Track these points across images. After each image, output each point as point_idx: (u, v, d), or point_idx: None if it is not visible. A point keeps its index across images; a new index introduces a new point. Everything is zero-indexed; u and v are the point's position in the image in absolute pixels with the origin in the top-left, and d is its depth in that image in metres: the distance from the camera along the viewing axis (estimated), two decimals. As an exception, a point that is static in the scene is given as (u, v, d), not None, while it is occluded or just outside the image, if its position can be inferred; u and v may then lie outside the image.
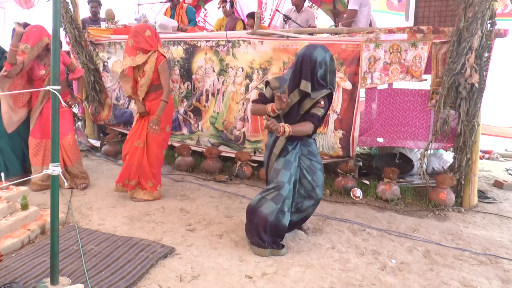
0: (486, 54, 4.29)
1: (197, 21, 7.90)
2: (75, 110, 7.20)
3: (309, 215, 3.70)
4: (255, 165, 5.61)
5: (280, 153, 3.49)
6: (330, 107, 4.90)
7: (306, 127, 3.34)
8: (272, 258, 3.31)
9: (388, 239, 3.77)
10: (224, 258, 3.28)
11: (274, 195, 3.35)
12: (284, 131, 3.21)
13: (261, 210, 3.36)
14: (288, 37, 5.14)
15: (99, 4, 7.75)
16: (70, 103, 4.85)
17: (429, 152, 4.84)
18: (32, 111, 4.79)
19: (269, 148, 3.57)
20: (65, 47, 6.54)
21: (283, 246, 3.42)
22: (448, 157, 5.78)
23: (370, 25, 6.41)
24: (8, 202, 3.67)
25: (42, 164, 4.77)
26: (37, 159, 4.77)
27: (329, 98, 3.47)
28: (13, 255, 3.21)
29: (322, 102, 3.37)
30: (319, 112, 3.37)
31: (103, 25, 7.05)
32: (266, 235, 3.36)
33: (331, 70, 3.36)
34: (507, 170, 6.69)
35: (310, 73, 3.27)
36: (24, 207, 3.73)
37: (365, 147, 7.04)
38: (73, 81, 5.61)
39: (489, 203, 4.87)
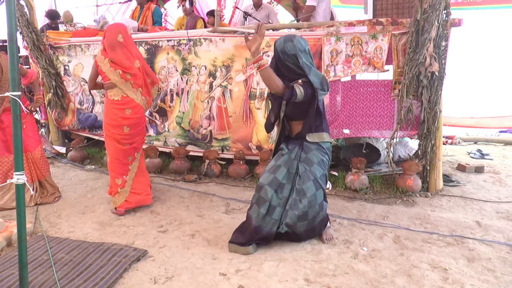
0: (443, 43, 4.42)
1: (162, 22, 7.81)
2: (37, 116, 7.01)
3: (315, 226, 3.43)
4: (223, 163, 5.60)
5: (277, 153, 3.53)
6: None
7: (277, 81, 3.16)
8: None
9: (358, 228, 3.83)
10: (197, 258, 3.27)
11: (257, 198, 3.39)
12: (260, 59, 3.12)
13: (249, 212, 3.44)
14: (249, 33, 5.13)
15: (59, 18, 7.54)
16: (31, 108, 4.55)
17: (394, 140, 4.95)
18: None
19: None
20: (23, 52, 6.35)
21: (250, 245, 3.36)
22: (413, 144, 5.93)
23: (332, 19, 6.48)
24: (-29, 215, 3.56)
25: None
26: None
27: (311, 87, 3.21)
28: (-21, 269, 3.12)
29: (300, 81, 3.22)
30: (296, 87, 3.17)
31: (62, 27, 6.88)
32: (247, 234, 3.37)
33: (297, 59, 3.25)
34: (469, 153, 6.90)
35: (274, 62, 3.36)
36: (-12, 219, 3.61)
37: (332, 139, 7.13)
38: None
39: (454, 186, 5.02)
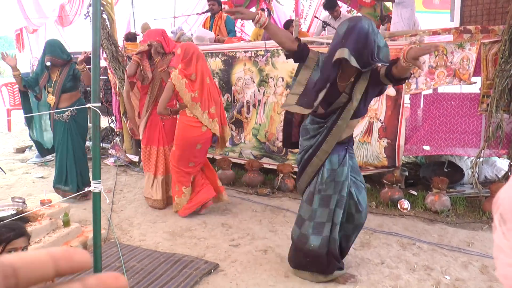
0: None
1: (235, 31, 7.81)
2: (112, 125, 7.24)
3: None
4: (297, 177, 5.46)
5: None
6: (374, 115, 4.72)
7: (283, 37, 2.93)
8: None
9: (440, 254, 3.55)
10: (269, 275, 3.19)
11: None
12: (259, 19, 2.78)
13: None
14: (327, 44, 4.99)
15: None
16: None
17: (481, 159, 4.57)
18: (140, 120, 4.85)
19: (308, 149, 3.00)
20: (102, 63, 6.59)
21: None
22: (502, 164, 5.45)
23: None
24: (50, 219, 3.69)
25: (154, 173, 4.73)
26: (147, 166, 4.79)
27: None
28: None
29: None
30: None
31: (139, 39, 7.08)
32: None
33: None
34: None
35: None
36: (66, 223, 3.73)
37: (411, 156, 6.78)
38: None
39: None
